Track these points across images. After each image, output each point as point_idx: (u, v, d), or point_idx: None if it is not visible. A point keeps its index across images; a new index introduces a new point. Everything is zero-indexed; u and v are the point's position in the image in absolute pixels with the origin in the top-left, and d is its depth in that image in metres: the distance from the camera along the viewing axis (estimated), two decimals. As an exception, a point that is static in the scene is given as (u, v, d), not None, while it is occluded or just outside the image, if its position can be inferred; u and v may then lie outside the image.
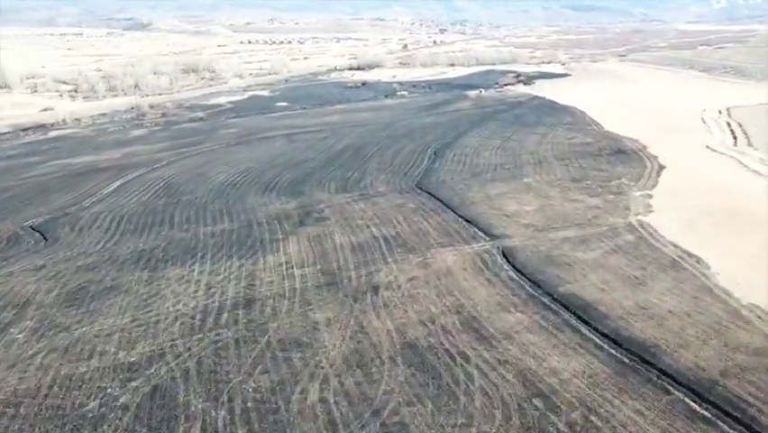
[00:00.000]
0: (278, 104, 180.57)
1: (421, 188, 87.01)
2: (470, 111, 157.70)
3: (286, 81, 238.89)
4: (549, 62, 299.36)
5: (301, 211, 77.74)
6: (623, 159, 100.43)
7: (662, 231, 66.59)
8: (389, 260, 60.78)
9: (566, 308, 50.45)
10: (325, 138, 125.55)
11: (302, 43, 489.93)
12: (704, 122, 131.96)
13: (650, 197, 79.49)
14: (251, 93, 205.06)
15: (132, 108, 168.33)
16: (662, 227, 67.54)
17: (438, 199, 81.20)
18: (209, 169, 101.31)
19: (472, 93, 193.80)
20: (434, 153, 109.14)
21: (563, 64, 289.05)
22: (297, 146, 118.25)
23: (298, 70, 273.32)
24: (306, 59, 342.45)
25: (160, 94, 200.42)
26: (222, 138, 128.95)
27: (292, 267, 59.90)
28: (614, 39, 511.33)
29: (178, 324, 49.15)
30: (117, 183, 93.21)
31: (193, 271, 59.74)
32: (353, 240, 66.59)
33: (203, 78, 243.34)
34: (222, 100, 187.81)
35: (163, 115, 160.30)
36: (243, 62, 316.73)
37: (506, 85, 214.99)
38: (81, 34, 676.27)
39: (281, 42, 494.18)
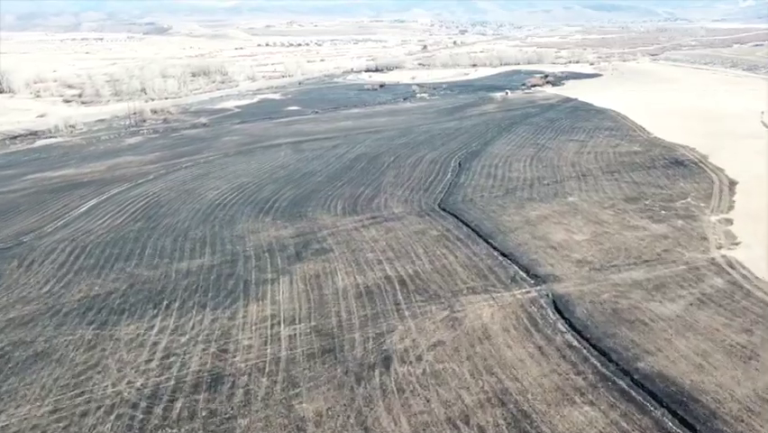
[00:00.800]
0: (289, 108, 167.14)
1: (444, 209, 72.37)
2: (497, 114, 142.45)
3: (299, 84, 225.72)
4: (577, 62, 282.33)
5: (299, 240, 63.53)
6: (682, 172, 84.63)
7: (759, 271, 51.17)
8: (406, 313, 46.24)
9: (654, 397, 35.45)
10: (336, 146, 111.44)
11: (320, 45, 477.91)
12: (766, 126, 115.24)
13: (729, 222, 63.83)
14: (261, 96, 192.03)
15: (134, 114, 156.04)
16: (758, 266, 52.07)
17: (466, 224, 66.44)
18: (200, 184, 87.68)
19: (498, 95, 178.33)
20: (459, 165, 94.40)
21: (592, 64, 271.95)
22: (304, 156, 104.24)
23: (314, 72, 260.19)
24: (322, 60, 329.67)
25: (165, 98, 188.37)
26: (222, 147, 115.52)
27: (279, 323, 45.68)
28: (640, 38, 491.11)
29: (111, 419, 35.14)
30: (92, 202, 79.95)
31: (152, 327, 45.78)
32: (360, 282, 52.16)
33: (213, 82, 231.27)
34: (229, 104, 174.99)
35: (164, 120, 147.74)
36: (258, 64, 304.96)
37: (533, 86, 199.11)
38: (102, 39, 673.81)
39: (299, 45, 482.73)
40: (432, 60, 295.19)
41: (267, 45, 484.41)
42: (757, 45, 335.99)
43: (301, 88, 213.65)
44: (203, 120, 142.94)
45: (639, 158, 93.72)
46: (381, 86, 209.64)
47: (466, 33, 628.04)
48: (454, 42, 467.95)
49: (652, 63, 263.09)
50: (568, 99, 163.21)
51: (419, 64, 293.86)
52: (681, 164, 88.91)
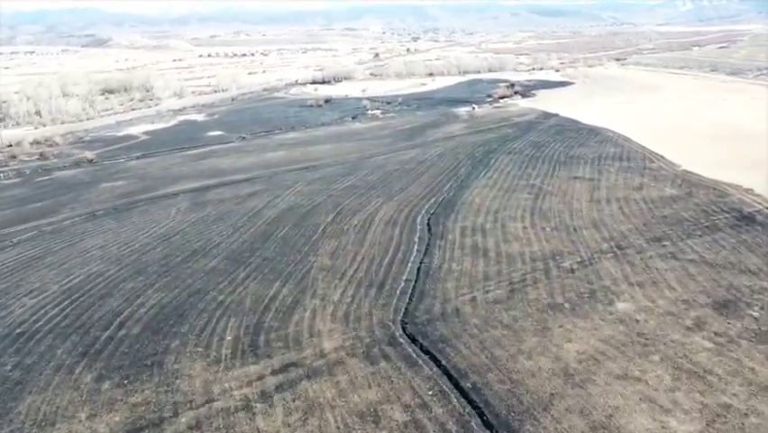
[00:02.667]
0: (210, 133, 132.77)
1: (413, 338, 40.51)
2: (468, 138, 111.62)
3: (233, 100, 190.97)
4: (541, 68, 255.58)
5: (122, 455, 30.57)
6: (766, 237, 55.03)
7: None
8: None
9: None
10: (254, 195, 78.31)
11: (266, 55, 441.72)
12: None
13: None
14: (182, 117, 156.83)
15: (9, 145, 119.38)
16: None
17: (456, 384, 34.83)
18: (15, 283, 53.27)
19: (463, 110, 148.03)
20: (428, 227, 62.75)
21: (557, 70, 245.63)
22: (203, 215, 70.68)
23: (252, 86, 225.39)
24: (264, 72, 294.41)
25: (62, 122, 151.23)
26: (94, 201, 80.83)
27: None
28: (595, 42, 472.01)
29: None
30: None
31: None
32: None
33: (131, 100, 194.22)
34: (138, 129, 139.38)
35: (41, 156, 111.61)
36: (193, 77, 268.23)
37: (501, 97, 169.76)
38: (33, 52, 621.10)
39: (243, 55, 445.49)
40: (385, 70, 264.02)
41: (209, 56, 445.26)
42: (722, 47, 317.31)
43: (233, 106, 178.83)
44: (88, 155, 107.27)
45: (684, 209, 63.86)
46: (327, 101, 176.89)
47: (419, 40, 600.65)
48: (407, 50, 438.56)
49: (621, 68, 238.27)
50: (547, 115, 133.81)
51: (371, 74, 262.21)
52: (752, 221, 59.37)
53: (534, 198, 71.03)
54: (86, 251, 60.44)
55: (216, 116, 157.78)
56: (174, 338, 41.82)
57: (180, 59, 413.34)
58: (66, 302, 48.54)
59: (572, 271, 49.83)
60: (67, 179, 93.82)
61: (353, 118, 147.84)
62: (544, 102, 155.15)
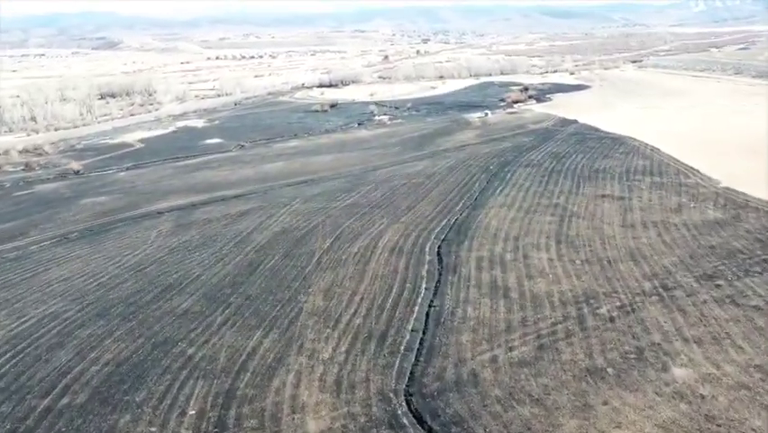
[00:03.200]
0: (208, 141, 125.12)
1: (419, 417, 32.12)
2: (481, 148, 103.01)
3: (235, 104, 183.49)
4: (554, 71, 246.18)
5: None
6: (842, 276, 46.05)
7: None
8: None
9: None
10: (245, 215, 70.14)
11: (274, 58, 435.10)
12: None
13: None
14: (181, 124, 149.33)
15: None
16: None
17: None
18: (-42, 326, 45.49)
19: (475, 116, 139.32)
20: (438, 257, 54.29)
21: (572, 73, 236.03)
22: (185, 240, 62.62)
23: (257, 89, 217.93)
24: (271, 75, 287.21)
25: (57, 129, 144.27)
26: (71, 219, 73.16)
27: None
28: (609, 44, 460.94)
29: None
30: None
31: None
32: None
33: (132, 104, 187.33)
34: (133, 137, 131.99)
35: (26, 166, 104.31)
36: (198, 80, 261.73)
37: (515, 102, 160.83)
38: (43, 55, 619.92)
39: (252, 57, 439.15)
40: (393, 73, 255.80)
41: (217, 58, 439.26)
42: (742, 48, 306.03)
43: (235, 111, 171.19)
44: (75, 166, 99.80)
45: (734, 237, 54.90)
46: (333, 105, 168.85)
47: (429, 42, 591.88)
48: (417, 52, 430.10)
49: (639, 71, 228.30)
50: (565, 122, 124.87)
51: (379, 77, 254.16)
52: (823, 255, 50.35)
53: (559, 220, 62.29)
54: (47, 284, 52.56)
55: (217, 122, 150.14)
56: (125, 412, 33.63)
57: (188, 62, 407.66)
58: (8, 355, 40.64)
59: (612, 319, 41.14)
60: (47, 194, 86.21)
61: (359, 125, 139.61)
62: (561, 107, 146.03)
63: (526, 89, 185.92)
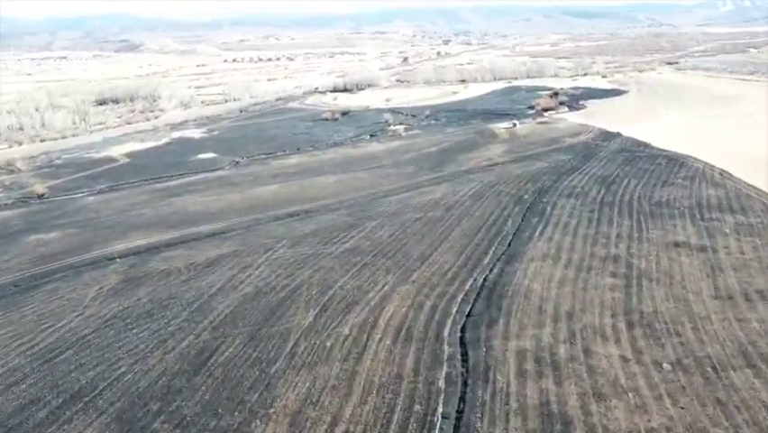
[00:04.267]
0: (201, 156, 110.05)
1: None
2: (511, 168, 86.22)
3: (241, 112, 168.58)
4: (585, 74, 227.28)
5: None
6: None
7: None
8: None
9: None
10: (212, 267, 54.34)
11: (292, 60, 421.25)
12: None
13: None
14: (177, 134, 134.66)
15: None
16: None
17: None
18: None
19: (501, 127, 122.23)
20: (461, 345, 38.05)
21: (604, 76, 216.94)
22: (121, 310, 46.98)
23: (268, 94, 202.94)
24: (286, 78, 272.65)
25: (43, 140, 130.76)
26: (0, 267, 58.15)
27: None
28: (638, 44, 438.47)
29: None
30: None
31: None
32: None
33: (132, 111, 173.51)
34: (122, 150, 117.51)
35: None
36: (210, 84, 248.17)
37: (545, 110, 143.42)
38: (64, 58, 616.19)
39: (269, 59, 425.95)
40: (412, 76, 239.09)
41: (234, 61, 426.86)
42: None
43: (239, 119, 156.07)
44: (39, 189, 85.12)
45: None
46: (344, 113, 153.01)
47: (450, 43, 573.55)
48: (438, 53, 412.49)
49: (679, 74, 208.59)
50: (607, 135, 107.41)
51: (397, 81, 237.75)
52: None
53: (625, 285, 45.56)
54: None
55: (216, 133, 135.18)
56: None
57: (204, 65, 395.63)
58: None
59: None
60: (-12, 228, 71.57)
61: (372, 136, 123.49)
62: (598, 116, 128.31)
63: (556, 94, 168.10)
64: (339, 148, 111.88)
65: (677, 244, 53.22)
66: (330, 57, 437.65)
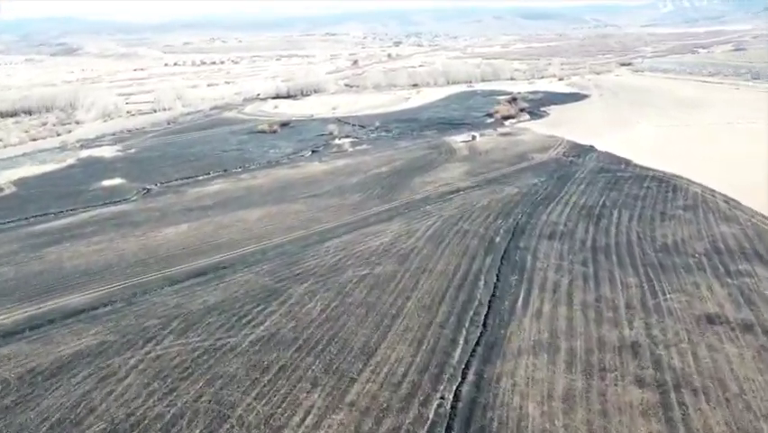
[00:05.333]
0: (106, 182, 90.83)
1: None
2: (475, 196, 70.91)
3: (168, 123, 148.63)
4: (541, 77, 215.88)
5: None
6: None
7: None
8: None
9: None
10: (55, 385, 36.68)
11: (237, 63, 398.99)
12: None
13: None
14: (86, 153, 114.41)
15: None
16: None
17: None
18: None
19: (459, 140, 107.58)
20: None
21: (561, 79, 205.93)
22: None
23: (202, 102, 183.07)
24: (227, 83, 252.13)
25: None
26: None
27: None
28: (588, 45, 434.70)
29: None
30: None
31: None
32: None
33: (44, 124, 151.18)
34: (10, 176, 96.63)
35: None
36: (142, 91, 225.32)
37: (505, 118, 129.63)
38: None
39: (213, 63, 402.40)
40: (362, 80, 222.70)
41: (175, 65, 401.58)
42: (737, 50, 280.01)
43: (164, 133, 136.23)
44: None
45: None
46: (285, 124, 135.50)
47: (401, 45, 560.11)
48: (389, 55, 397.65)
49: (637, 76, 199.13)
50: (579, 148, 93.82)
51: (346, 85, 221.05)
52: None
53: (661, 404, 30.55)
54: None
55: (133, 151, 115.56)
56: None
57: (142, 69, 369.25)
58: None
59: None
60: None
61: (313, 152, 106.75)
62: (565, 125, 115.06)
63: (515, 100, 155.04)
64: (273, 169, 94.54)
65: (711, 319, 38.73)
66: (277, 60, 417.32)
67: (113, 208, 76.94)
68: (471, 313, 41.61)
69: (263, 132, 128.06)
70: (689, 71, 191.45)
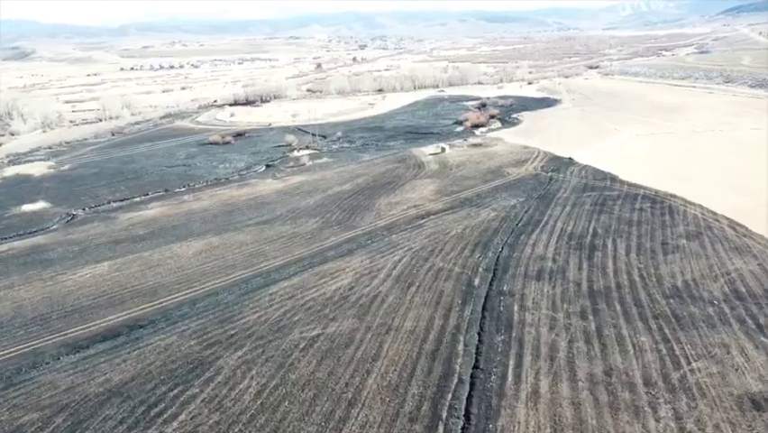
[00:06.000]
0: (27, 207, 78.70)
1: None
2: (447, 223, 61.57)
3: (112, 134, 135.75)
4: (510, 80, 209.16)
5: None
6: None
7: None
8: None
9: None
10: None
11: (196, 67, 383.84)
12: None
13: None
14: (13, 170, 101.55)
15: None
16: None
17: None
18: None
19: (428, 151, 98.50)
20: None
21: (531, 83, 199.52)
22: None
23: (154, 111, 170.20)
24: (184, 89, 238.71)
25: None
26: None
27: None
28: (553, 48, 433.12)
29: None
30: None
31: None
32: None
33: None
34: None
35: None
36: (92, 98, 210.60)
37: (475, 126, 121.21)
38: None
39: (171, 67, 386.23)
40: (326, 85, 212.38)
41: (132, 69, 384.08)
42: (702, 52, 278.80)
43: (105, 146, 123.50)
44: None
45: None
46: (239, 135, 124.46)
47: (366, 48, 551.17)
48: (354, 59, 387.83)
49: (608, 80, 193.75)
50: (557, 161, 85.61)
51: (308, 90, 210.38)
52: None
53: None
54: None
55: (66, 167, 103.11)
56: None
57: (95, 74, 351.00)
58: None
59: None
60: None
61: (268, 167, 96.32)
62: (539, 134, 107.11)
63: (485, 106, 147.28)
64: (221, 189, 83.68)
65: (757, 404, 29.96)
66: (239, 63, 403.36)
67: (26, 242, 65.10)
68: (450, 397, 32.07)
69: (215, 143, 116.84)
70: (659, 75, 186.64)
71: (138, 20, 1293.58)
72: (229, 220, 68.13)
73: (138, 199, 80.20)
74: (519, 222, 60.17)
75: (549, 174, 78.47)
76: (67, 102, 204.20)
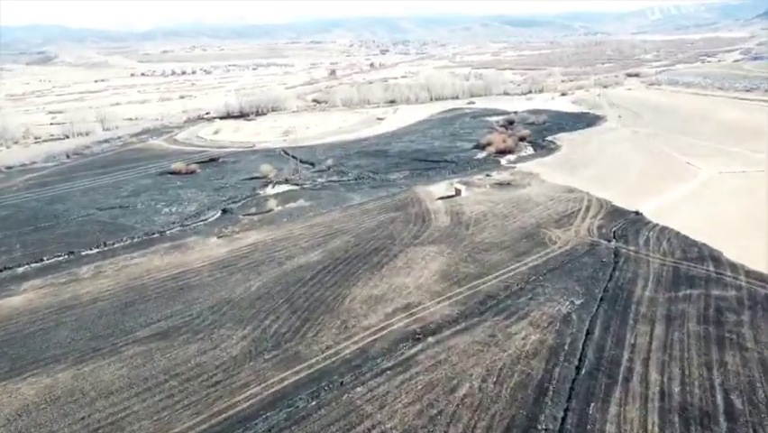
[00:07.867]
0: None
1: None
2: (452, 351, 35.27)
3: (67, 157, 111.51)
4: (540, 90, 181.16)
5: None
6: None
7: None
8: None
9: None
10: None
11: (209, 73, 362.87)
12: None
13: None
14: None
15: None
16: None
17: None
18: None
19: (437, 193, 72.05)
20: None
21: (564, 94, 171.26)
22: None
23: (131, 125, 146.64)
24: (182, 98, 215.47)
25: None
26: None
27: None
28: (583, 53, 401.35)
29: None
30: None
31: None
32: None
33: None
34: None
35: None
36: (84, 107, 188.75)
37: (500, 152, 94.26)
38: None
39: (183, 72, 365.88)
40: (332, 95, 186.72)
41: (142, 75, 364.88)
42: (754, 59, 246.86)
43: (42, 176, 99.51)
44: None
45: None
46: (212, 160, 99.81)
47: (387, 53, 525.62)
48: (371, 65, 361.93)
49: (653, 90, 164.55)
50: (622, 219, 58.41)
51: (314, 101, 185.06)
52: None
53: None
54: None
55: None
56: None
57: (103, 80, 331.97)
58: None
59: None
60: None
61: (224, 212, 70.94)
62: (585, 168, 79.86)
63: (512, 123, 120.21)
64: (141, 253, 58.37)
65: None
66: (253, 69, 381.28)
67: None
68: None
69: (177, 173, 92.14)
70: (717, 85, 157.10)
71: (164, 24, 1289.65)
72: (116, 325, 42.91)
73: (21, 270, 55.50)
74: (581, 361, 33.65)
75: (613, 244, 51.55)
76: (50, 113, 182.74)
